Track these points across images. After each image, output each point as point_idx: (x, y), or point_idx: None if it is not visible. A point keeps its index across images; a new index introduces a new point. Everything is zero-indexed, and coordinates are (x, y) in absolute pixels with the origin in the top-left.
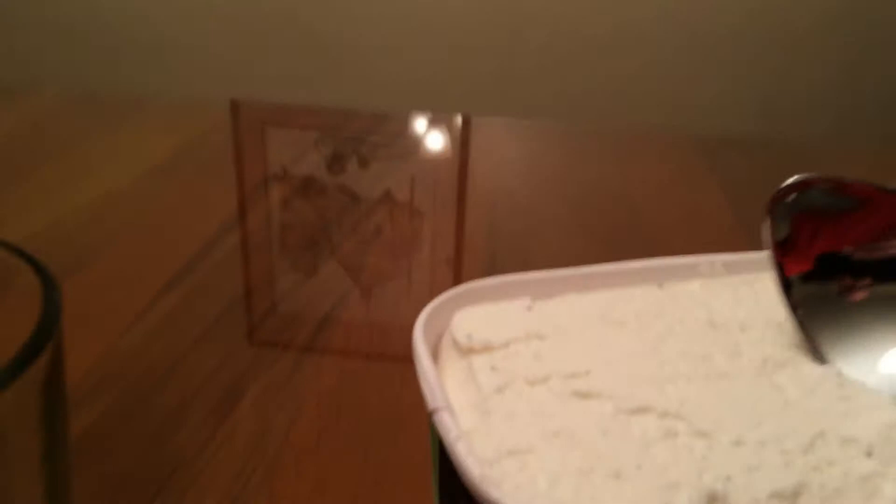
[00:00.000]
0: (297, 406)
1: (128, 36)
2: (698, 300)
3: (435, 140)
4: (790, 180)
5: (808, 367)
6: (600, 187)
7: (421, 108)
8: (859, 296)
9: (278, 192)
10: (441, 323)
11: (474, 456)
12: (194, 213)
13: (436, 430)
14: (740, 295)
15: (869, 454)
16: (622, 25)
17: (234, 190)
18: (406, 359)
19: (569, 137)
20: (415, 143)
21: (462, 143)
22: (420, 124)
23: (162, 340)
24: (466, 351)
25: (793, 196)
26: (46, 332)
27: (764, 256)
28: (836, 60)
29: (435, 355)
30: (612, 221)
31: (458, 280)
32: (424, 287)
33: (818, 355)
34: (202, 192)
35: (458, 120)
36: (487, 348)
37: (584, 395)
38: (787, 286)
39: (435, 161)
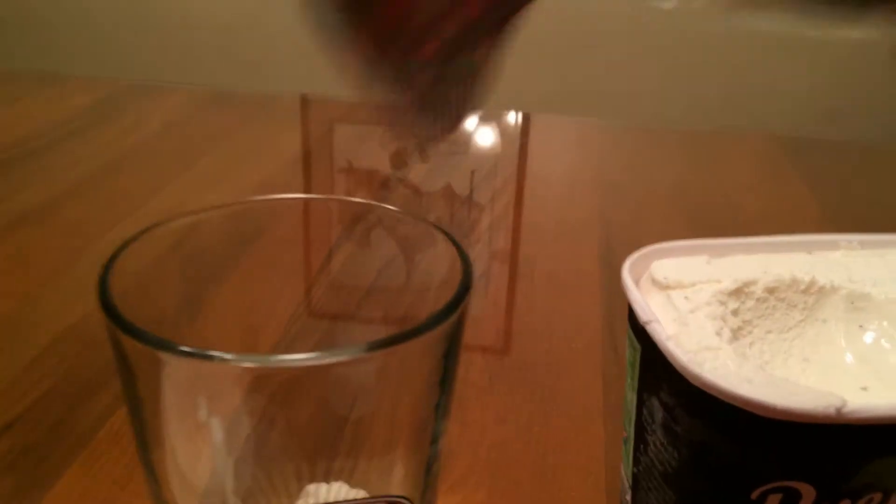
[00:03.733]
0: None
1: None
2: (840, 263)
3: (494, 136)
4: None
5: None
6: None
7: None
8: None
9: (343, 184)
10: (637, 269)
11: (681, 349)
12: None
13: (633, 340)
14: (873, 263)
15: None
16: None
17: (301, 180)
18: None
19: (619, 137)
20: (474, 139)
21: (522, 139)
22: (479, 121)
23: None
24: (663, 287)
25: None
26: (464, 290)
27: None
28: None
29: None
30: (700, 214)
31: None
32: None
33: None
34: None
35: (517, 117)
36: (680, 286)
37: None
38: None
39: (494, 156)
